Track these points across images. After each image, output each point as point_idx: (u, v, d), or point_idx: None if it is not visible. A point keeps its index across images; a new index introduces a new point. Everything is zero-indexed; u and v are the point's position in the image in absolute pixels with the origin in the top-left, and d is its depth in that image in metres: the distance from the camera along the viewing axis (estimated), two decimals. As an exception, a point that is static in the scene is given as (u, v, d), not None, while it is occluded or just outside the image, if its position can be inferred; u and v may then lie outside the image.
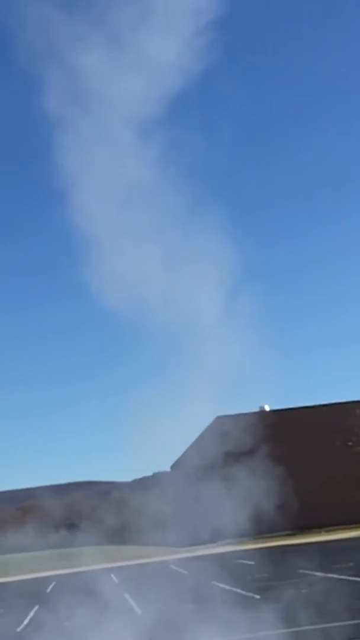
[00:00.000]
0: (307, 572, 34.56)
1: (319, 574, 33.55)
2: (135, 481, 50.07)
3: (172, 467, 47.84)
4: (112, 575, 40.25)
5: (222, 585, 31.17)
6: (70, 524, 51.02)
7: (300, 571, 34.99)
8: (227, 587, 30.94)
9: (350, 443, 65.03)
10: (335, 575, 32.50)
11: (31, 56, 24.24)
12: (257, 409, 37.90)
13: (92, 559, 44.66)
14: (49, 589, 44.37)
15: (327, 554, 43.16)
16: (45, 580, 49.76)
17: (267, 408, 37.70)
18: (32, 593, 42.86)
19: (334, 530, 64.35)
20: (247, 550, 51.82)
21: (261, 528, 35.66)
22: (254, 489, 34.50)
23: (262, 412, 37.64)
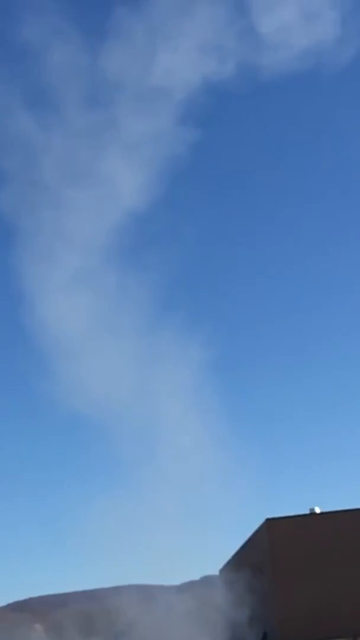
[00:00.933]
0: None
1: None
2: (184, 585, 49.05)
3: (220, 571, 46.83)
4: None
5: None
6: (118, 632, 49.90)
7: None
8: None
9: None
10: None
11: None
12: (307, 511, 37.09)
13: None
14: None
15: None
16: None
17: (317, 510, 36.88)
18: None
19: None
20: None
21: (314, 634, 34.52)
22: (305, 593, 33.58)
23: (313, 515, 36.84)
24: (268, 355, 77.26)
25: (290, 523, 35.84)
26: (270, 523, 35.65)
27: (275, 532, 35.43)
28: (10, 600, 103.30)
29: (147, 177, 24.29)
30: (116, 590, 64.28)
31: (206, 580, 48.07)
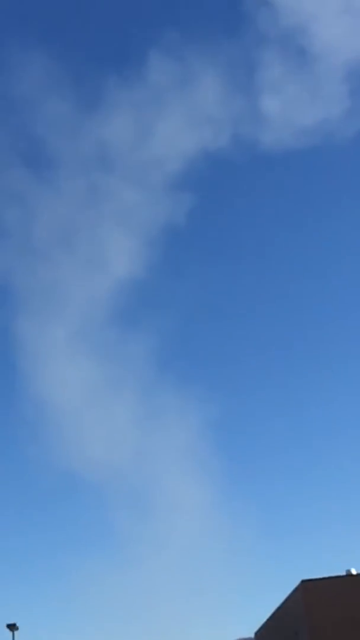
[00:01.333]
0: None
1: None
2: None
3: (256, 634, 45.95)
4: None
5: None
6: None
7: None
8: None
9: None
10: None
11: None
12: (343, 572, 36.47)
13: None
14: None
15: None
16: None
17: (353, 571, 36.26)
18: None
19: None
20: None
21: None
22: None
23: (350, 576, 36.20)
24: (271, 416, 77.25)
25: (326, 584, 35.24)
26: (306, 585, 35.09)
27: (311, 594, 34.85)
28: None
29: (143, 242, 24.73)
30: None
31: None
